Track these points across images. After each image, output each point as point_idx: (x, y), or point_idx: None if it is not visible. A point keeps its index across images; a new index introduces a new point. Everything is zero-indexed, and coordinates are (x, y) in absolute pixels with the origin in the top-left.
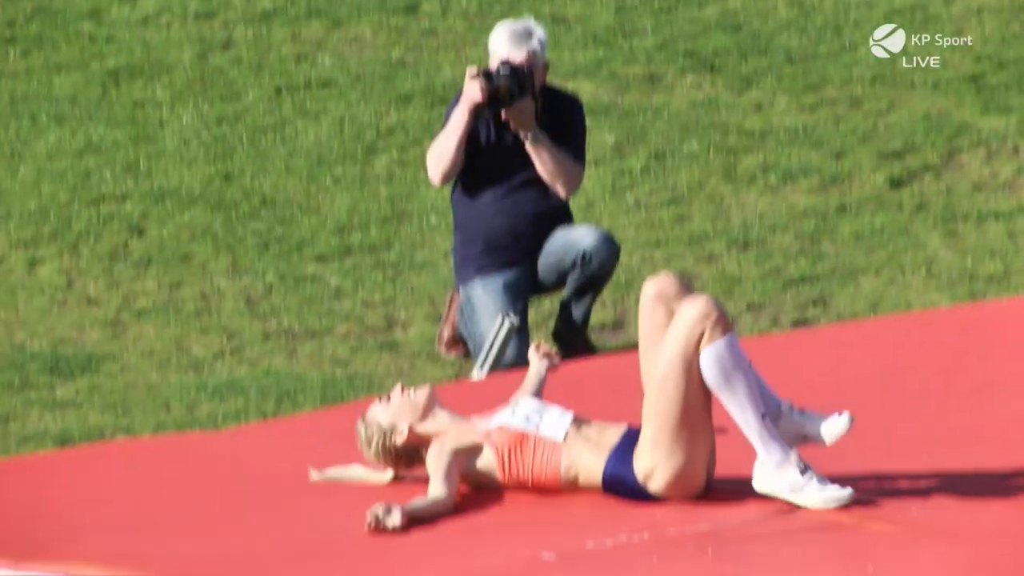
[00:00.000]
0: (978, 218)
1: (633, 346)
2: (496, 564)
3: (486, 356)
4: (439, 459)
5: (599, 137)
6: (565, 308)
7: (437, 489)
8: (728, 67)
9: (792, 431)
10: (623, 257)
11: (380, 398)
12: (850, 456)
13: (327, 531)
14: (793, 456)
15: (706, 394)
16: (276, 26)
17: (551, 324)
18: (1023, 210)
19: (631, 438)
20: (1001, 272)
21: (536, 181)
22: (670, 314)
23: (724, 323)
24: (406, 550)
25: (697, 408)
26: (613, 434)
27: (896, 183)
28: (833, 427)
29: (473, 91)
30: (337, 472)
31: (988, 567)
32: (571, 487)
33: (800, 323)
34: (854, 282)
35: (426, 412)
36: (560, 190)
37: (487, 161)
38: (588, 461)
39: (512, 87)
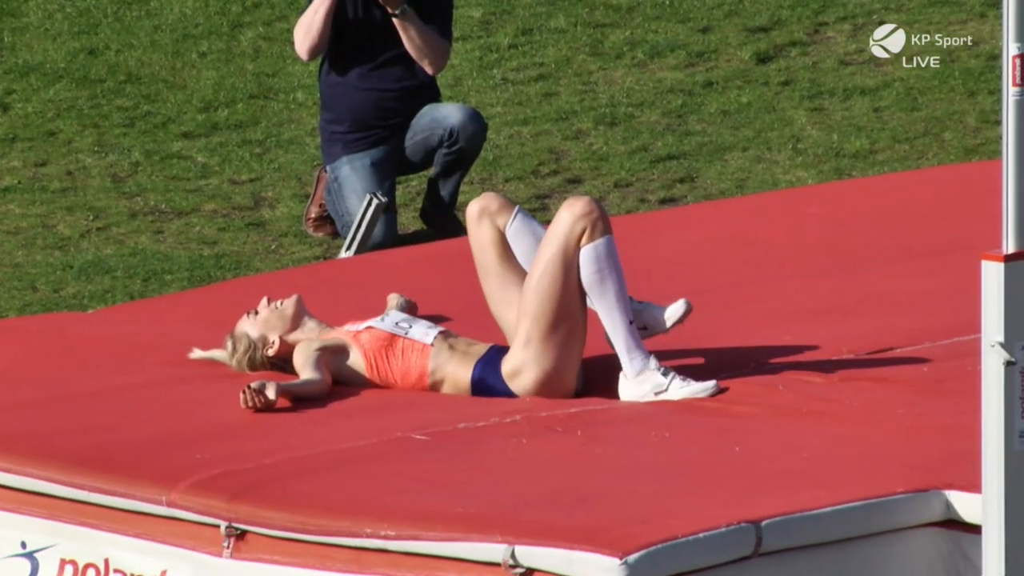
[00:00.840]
0: (844, 94)
1: None
2: (369, 444)
3: (354, 235)
4: (306, 353)
5: (466, 12)
6: (433, 186)
7: (308, 373)
8: None
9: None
10: (491, 134)
11: (248, 313)
12: (714, 334)
13: (198, 411)
14: (652, 362)
15: (582, 295)
16: None
17: (419, 203)
18: (889, 85)
19: (498, 351)
20: (867, 148)
21: (403, 57)
22: (496, 228)
23: (605, 223)
24: (278, 432)
25: (574, 308)
26: (481, 347)
27: (762, 59)
28: (671, 314)
29: None
30: (218, 353)
31: (851, 442)
32: (437, 391)
33: (667, 201)
34: (721, 159)
35: (295, 321)
36: (427, 67)
37: (354, 37)
38: (455, 368)
39: None
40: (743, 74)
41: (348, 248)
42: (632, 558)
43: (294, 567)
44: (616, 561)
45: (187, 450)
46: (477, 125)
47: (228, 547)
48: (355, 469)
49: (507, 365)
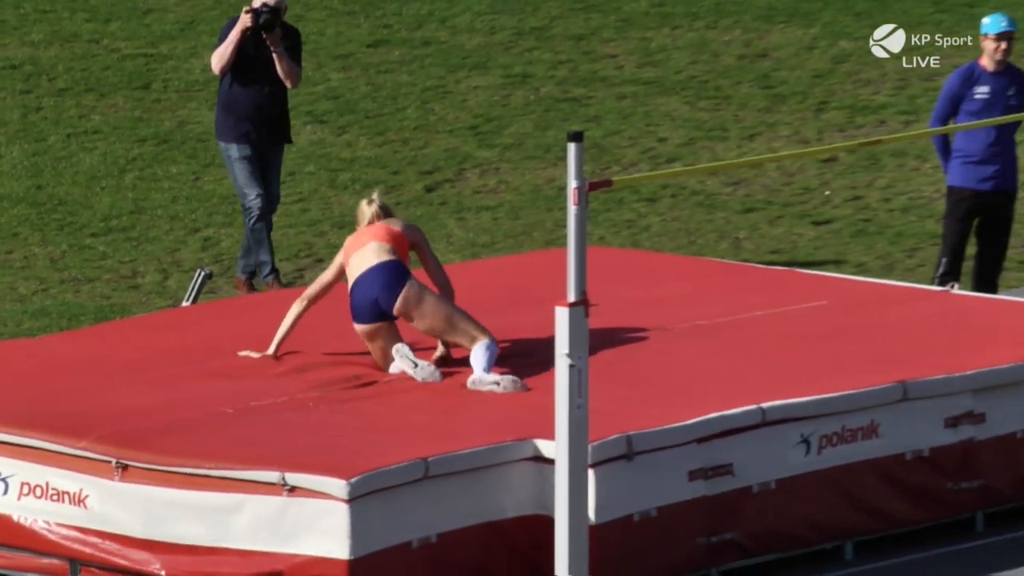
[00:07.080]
0: (477, 209)
1: None
2: (197, 415)
3: (189, 295)
4: None
5: None
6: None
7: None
8: (331, 121)
9: None
10: None
11: None
12: None
13: (103, 395)
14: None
15: None
16: None
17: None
18: (501, 204)
19: None
20: (490, 241)
21: (273, 76)
22: None
23: None
24: (155, 402)
25: None
26: None
27: (430, 189)
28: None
29: (245, 20)
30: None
31: (475, 414)
32: None
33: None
34: None
35: None
36: (288, 82)
37: (249, 63)
38: None
39: (270, 20)
40: (418, 199)
41: (187, 302)
42: (354, 480)
43: (152, 486)
44: (343, 482)
45: (96, 417)
46: None
47: (117, 475)
48: (191, 430)
49: None
